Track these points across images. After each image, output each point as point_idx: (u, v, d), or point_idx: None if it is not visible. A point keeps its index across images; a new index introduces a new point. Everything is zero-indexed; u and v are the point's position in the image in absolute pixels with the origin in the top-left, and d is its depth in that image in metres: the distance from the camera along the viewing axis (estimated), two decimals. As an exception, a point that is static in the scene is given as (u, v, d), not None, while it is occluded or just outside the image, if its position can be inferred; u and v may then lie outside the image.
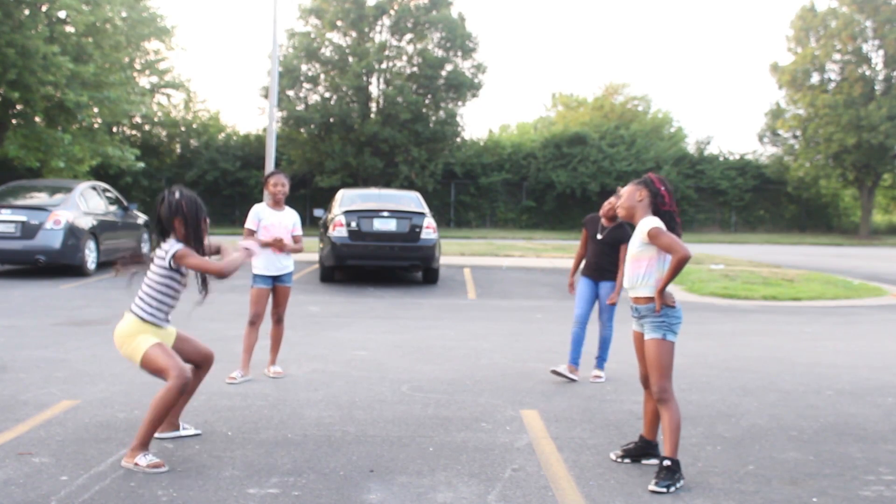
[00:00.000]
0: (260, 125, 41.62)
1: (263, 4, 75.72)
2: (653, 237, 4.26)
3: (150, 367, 4.40)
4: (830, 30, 36.17)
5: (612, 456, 4.57)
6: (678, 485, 4.12)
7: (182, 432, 4.79)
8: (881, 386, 6.64)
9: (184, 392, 4.41)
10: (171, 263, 4.41)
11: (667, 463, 4.17)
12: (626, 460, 4.51)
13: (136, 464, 4.17)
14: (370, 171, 33.41)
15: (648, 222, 4.34)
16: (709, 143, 40.70)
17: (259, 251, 4.99)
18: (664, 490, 4.06)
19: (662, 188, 4.41)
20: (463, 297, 12.49)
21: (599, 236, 6.77)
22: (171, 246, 4.43)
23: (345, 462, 4.39)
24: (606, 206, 6.73)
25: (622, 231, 6.69)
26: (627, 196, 4.47)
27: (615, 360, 7.38)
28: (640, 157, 36.89)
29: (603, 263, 6.74)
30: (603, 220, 6.82)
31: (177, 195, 4.47)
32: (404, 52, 35.11)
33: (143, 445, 4.25)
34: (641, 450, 4.52)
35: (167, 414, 4.37)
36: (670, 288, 4.34)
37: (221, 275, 4.44)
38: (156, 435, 4.65)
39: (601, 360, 6.73)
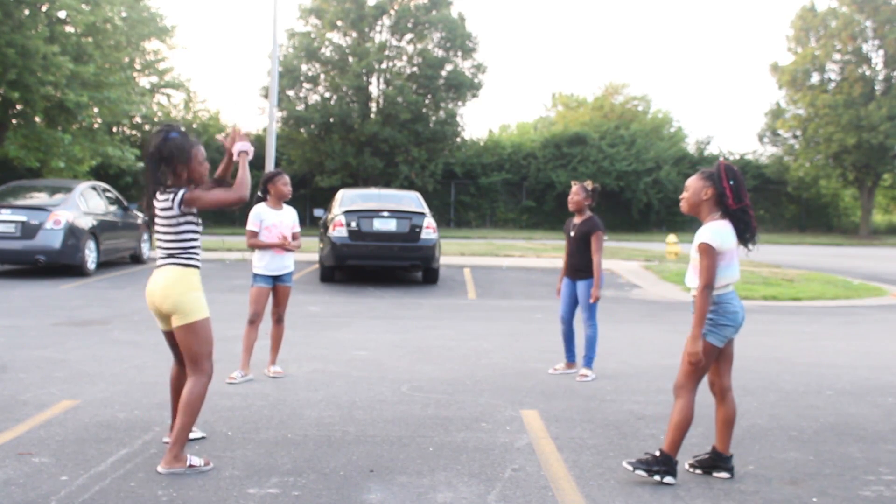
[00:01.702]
0: (260, 125, 41.59)
1: (263, 4, 75.80)
2: (699, 251, 4.09)
3: (197, 337, 4.20)
4: (830, 30, 36.21)
5: (687, 467, 4.35)
6: (664, 479, 4.11)
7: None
8: (881, 386, 6.65)
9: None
10: (182, 208, 4.20)
11: (656, 452, 4.19)
12: (698, 471, 4.34)
13: (192, 465, 4.13)
14: (370, 171, 33.41)
15: (703, 235, 4.09)
16: (709, 143, 40.77)
17: (250, 149, 4.58)
18: (630, 468, 4.13)
19: (729, 183, 4.06)
20: (463, 297, 12.49)
21: (572, 233, 6.79)
22: (174, 193, 4.20)
23: (345, 462, 4.39)
24: (570, 203, 6.79)
25: (591, 223, 6.68)
26: (693, 191, 4.18)
27: (616, 360, 7.39)
28: (640, 157, 36.88)
29: (577, 263, 6.77)
30: (575, 218, 6.84)
31: (162, 138, 4.22)
32: (404, 52, 35.12)
33: (182, 448, 4.16)
34: (712, 461, 4.31)
35: (200, 408, 4.24)
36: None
37: (242, 198, 4.23)
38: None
39: (588, 360, 6.73)
